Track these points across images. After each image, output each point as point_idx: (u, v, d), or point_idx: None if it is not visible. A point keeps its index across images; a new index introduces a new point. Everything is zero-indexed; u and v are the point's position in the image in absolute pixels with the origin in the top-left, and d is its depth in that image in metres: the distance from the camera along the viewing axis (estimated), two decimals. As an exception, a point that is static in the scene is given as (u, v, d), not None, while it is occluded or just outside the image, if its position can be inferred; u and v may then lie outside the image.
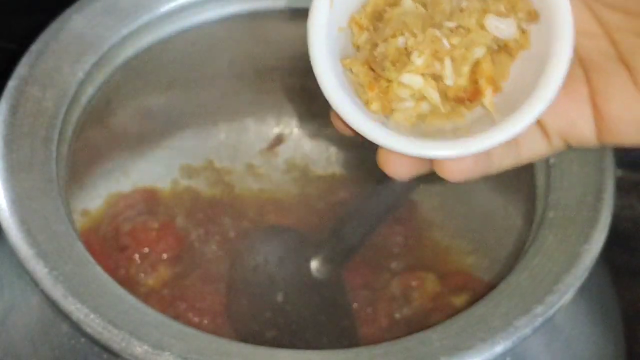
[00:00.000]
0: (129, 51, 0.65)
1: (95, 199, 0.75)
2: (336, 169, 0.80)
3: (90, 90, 0.63)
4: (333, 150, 0.81)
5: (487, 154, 0.47)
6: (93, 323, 0.51)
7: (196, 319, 0.69)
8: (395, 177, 0.48)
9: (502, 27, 0.47)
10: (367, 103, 0.48)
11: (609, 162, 0.61)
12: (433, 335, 0.53)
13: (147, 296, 0.69)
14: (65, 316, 0.52)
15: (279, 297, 0.69)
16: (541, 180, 0.62)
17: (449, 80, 0.46)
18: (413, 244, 0.75)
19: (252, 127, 0.80)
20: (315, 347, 0.62)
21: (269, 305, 0.69)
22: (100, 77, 0.64)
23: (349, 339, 0.67)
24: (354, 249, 0.67)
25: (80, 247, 0.55)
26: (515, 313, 0.53)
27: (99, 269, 0.54)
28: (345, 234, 0.67)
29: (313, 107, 0.80)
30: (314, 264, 0.68)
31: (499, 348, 0.52)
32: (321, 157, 0.81)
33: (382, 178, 0.65)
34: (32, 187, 0.56)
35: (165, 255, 0.72)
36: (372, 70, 0.48)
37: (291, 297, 0.68)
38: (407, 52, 0.46)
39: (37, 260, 0.53)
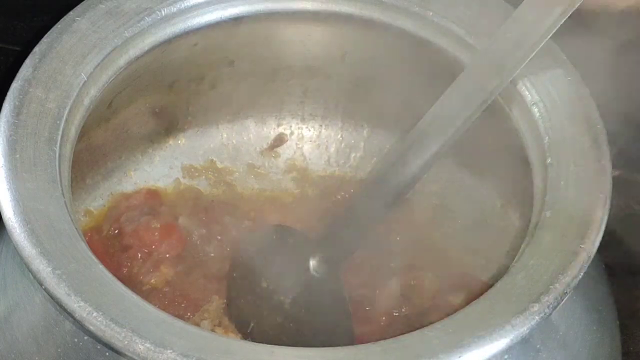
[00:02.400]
0: (131, 53, 0.65)
1: (97, 199, 0.75)
2: (336, 169, 0.81)
3: (93, 92, 0.63)
4: (333, 150, 0.81)
5: None
6: (96, 321, 0.52)
7: (198, 317, 0.70)
8: None
9: None
10: None
11: (606, 162, 0.61)
12: (431, 333, 0.53)
13: (149, 295, 0.70)
14: (68, 314, 0.53)
15: (278, 296, 0.69)
16: (538, 180, 0.62)
17: None
18: (411, 243, 0.75)
19: (252, 127, 0.80)
20: (312, 344, 0.63)
21: (268, 303, 0.69)
22: (103, 79, 0.64)
23: (345, 338, 0.67)
24: (352, 249, 0.68)
25: (83, 246, 0.55)
26: (512, 312, 0.54)
27: (101, 268, 0.54)
28: (343, 234, 0.67)
29: (313, 107, 0.80)
30: (313, 263, 0.69)
31: (496, 346, 0.53)
32: (321, 157, 0.81)
33: (381, 178, 0.66)
34: (35, 187, 0.56)
35: (167, 255, 0.72)
36: None
37: (290, 296, 0.69)
38: None
39: (41, 259, 0.53)
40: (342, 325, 0.67)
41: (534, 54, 0.59)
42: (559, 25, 0.59)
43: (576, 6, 0.58)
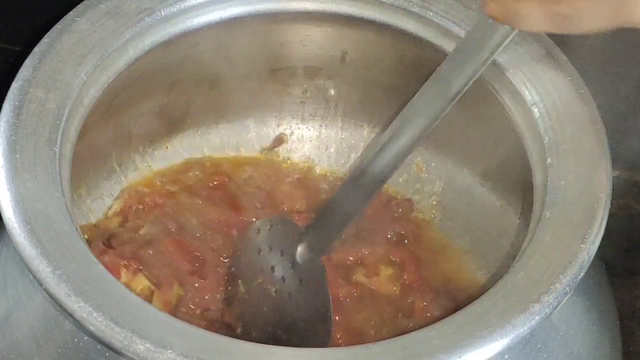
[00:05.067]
0: (131, 53, 0.65)
1: (97, 198, 0.76)
2: (336, 168, 0.81)
3: (92, 92, 0.63)
4: (333, 150, 0.81)
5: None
6: (96, 321, 0.52)
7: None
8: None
9: None
10: None
11: (606, 162, 0.61)
12: (431, 334, 0.53)
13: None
14: (68, 314, 0.53)
15: (266, 284, 0.70)
16: (538, 180, 0.62)
17: None
18: (410, 242, 0.75)
19: (252, 127, 0.80)
20: (292, 333, 0.64)
21: (257, 292, 0.70)
22: (102, 79, 0.64)
23: (324, 323, 0.67)
24: (334, 238, 0.68)
25: (83, 246, 0.55)
26: (512, 312, 0.54)
27: (101, 268, 0.54)
28: (326, 224, 0.68)
29: (313, 107, 0.80)
30: (298, 251, 0.69)
31: (496, 346, 0.53)
32: (321, 157, 0.81)
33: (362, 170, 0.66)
34: (35, 187, 0.56)
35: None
36: None
37: (276, 285, 0.69)
38: None
39: (41, 260, 0.53)
40: (322, 313, 0.68)
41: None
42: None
43: None
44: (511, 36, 0.59)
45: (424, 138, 0.63)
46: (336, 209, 0.66)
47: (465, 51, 0.60)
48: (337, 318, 0.70)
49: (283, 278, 0.69)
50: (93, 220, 0.75)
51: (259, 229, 0.72)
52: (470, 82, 0.60)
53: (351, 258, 0.73)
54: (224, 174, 0.78)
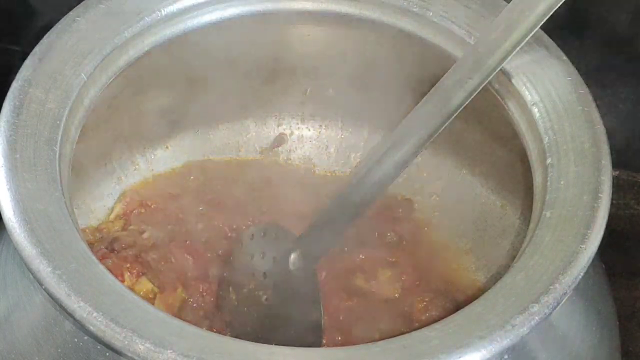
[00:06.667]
0: (131, 53, 0.65)
1: (97, 198, 0.76)
2: (336, 169, 0.81)
3: (93, 92, 0.63)
4: (333, 150, 0.81)
5: None
6: (96, 321, 0.52)
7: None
8: None
9: None
10: None
11: (606, 162, 0.61)
12: (431, 334, 0.53)
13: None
14: (68, 314, 0.53)
15: (257, 291, 0.70)
16: (538, 180, 0.62)
17: None
18: (410, 242, 0.75)
19: (252, 127, 0.81)
20: (283, 338, 0.64)
21: (248, 298, 0.70)
22: (103, 79, 0.64)
23: (314, 332, 0.67)
24: (329, 246, 0.68)
25: (83, 246, 0.55)
26: (512, 312, 0.54)
27: (101, 268, 0.54)
28: (322, 232, 0.68)
29: (313, 107, 0.80)
30: (292, 258, 0.69)
31: (496, 346, 0.53)
32: (321, 157, 0.81)
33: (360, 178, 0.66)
34: (35, 187, 0.56)
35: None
36: None
37: (268, 291, 0.69)
38: None
39: (41, 259, 0.53)
40: (313, 320, 0.68)
41: (512, 55, 0.59)
42: (536, 28, 0.59)
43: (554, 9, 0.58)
44: (514, 52, 0.59)
45: (422, 149, 0.63)
46: (331, 218, 0.66)
47: (468, 66, 0.60)
48: (338, 338, 0.70)
49: (275, 285, 0.69)
50: (94, 221, 0.75)
51: (253, 235, 0.72)
52: (472, 97, 0.60)
53: (350, 265, 0.73)
54: (226, 177, 0.78)
